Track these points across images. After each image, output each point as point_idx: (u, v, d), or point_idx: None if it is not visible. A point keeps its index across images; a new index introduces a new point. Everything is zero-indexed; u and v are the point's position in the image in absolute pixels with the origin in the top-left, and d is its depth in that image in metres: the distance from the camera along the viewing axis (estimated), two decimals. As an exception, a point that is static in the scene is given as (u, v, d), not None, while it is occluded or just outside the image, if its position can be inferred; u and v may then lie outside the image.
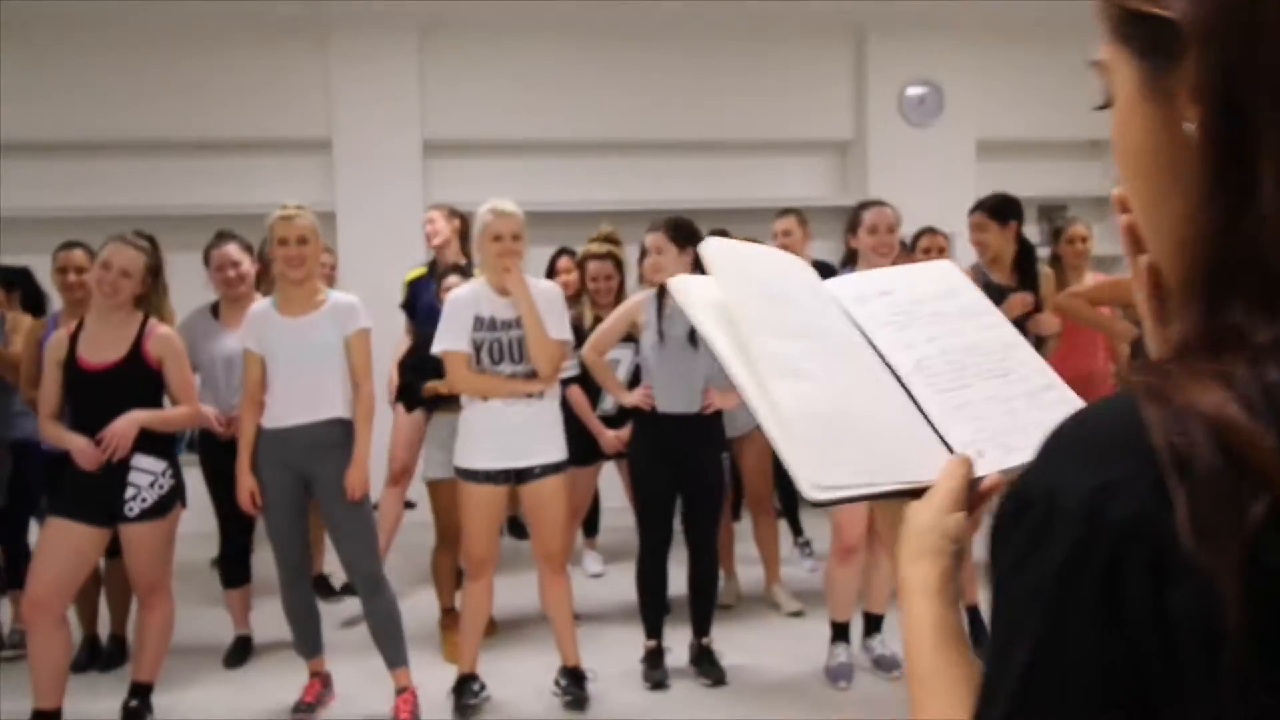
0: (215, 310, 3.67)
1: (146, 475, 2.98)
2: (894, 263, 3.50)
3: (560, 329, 3.14)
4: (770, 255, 0.95)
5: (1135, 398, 0.49)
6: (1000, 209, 3.68)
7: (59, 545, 2.91)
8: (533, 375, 3.11)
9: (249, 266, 3.65)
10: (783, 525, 4.60)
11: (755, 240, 3.10)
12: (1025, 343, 0.89)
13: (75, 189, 5.52)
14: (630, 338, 3.55)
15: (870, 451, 0.76)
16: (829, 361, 0.80)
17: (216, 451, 3.48)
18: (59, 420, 2.99)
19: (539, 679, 3.42)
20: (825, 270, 4.81)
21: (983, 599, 3.61)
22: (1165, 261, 0.59)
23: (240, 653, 3.74)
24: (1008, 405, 0.81)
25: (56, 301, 4.01)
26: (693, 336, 3.34)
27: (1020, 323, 3.53)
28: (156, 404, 3.04)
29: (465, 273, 3.79)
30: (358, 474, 3.10)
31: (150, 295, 3.09)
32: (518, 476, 3.15)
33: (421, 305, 4.10)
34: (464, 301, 3.15)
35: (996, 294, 3.47)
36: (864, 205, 3.44)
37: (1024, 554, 0.52)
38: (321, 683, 3.30)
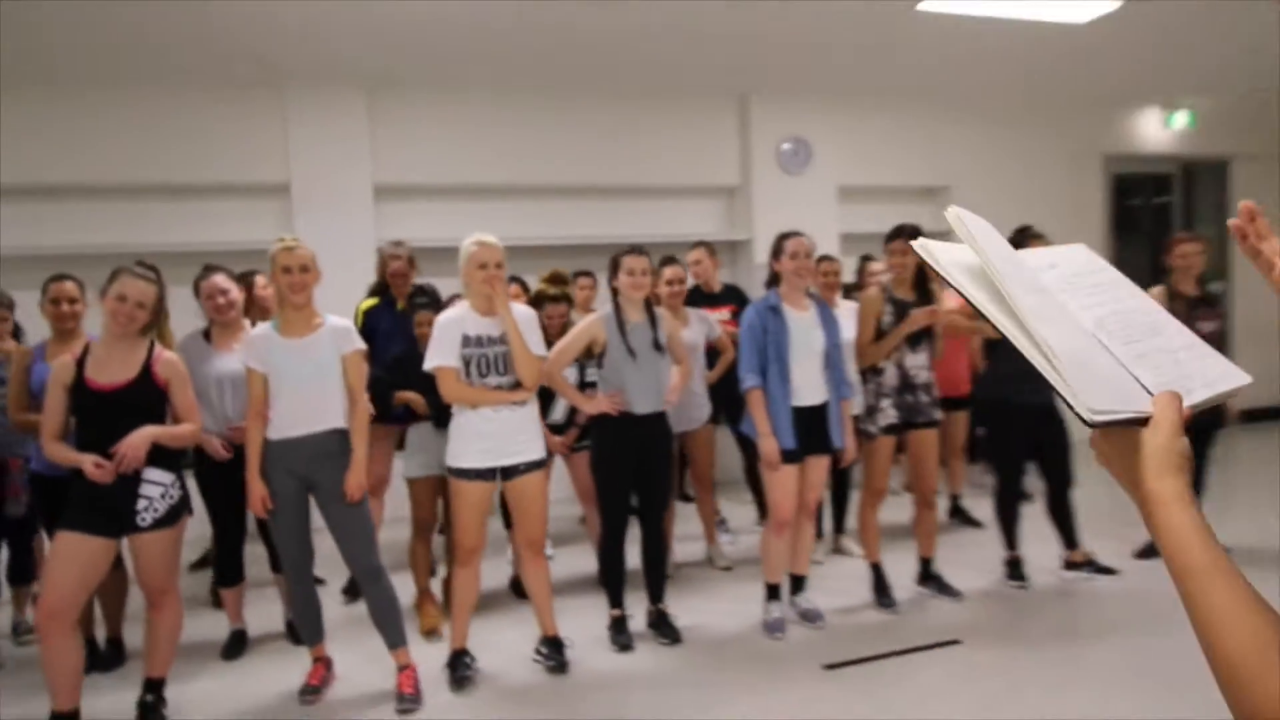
0: (207, 335, 3.43)
1: (157, 487, 2.76)
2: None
3: (539, 346, 3.08)
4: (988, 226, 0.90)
5: None
6: (914, 237, 3.76)
7: (73, 557, 2.65)
8: (516, 386, 3.04)
9: (237, 294, 3.44)
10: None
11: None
12: (1161, 309, 0.89)
13: (53, 229, 5.13)
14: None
15: (1111, 386, 0.76)
16: (1058, 314, 0.79)
17: (211, 464, 3.26)
18: (62, 441, 2.74)
19: (521, 649, 3.34)
20: (735, 294, 4.92)
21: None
22: None
23: (237, 646, 3.50)
24: (1174, 356, 0.81)
25: (33, 333, 3.74)
26: (658, 344, 3.35)
27: (922, 332, 3.68)
28: (162, 422, 2.81)
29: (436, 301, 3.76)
30: (356, 478, 2.97)
31: (155, 322, 2.88)
32: (504, 474, 3.06)
33: (380, 330, 3.99)
34: (452, 323, 3.04)
35: (902, 309, 3.61)
36: (785, 235, 3.45)
37: None
38: (325, 666, 3.14)
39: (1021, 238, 3.77)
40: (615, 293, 3.37)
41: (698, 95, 6.33)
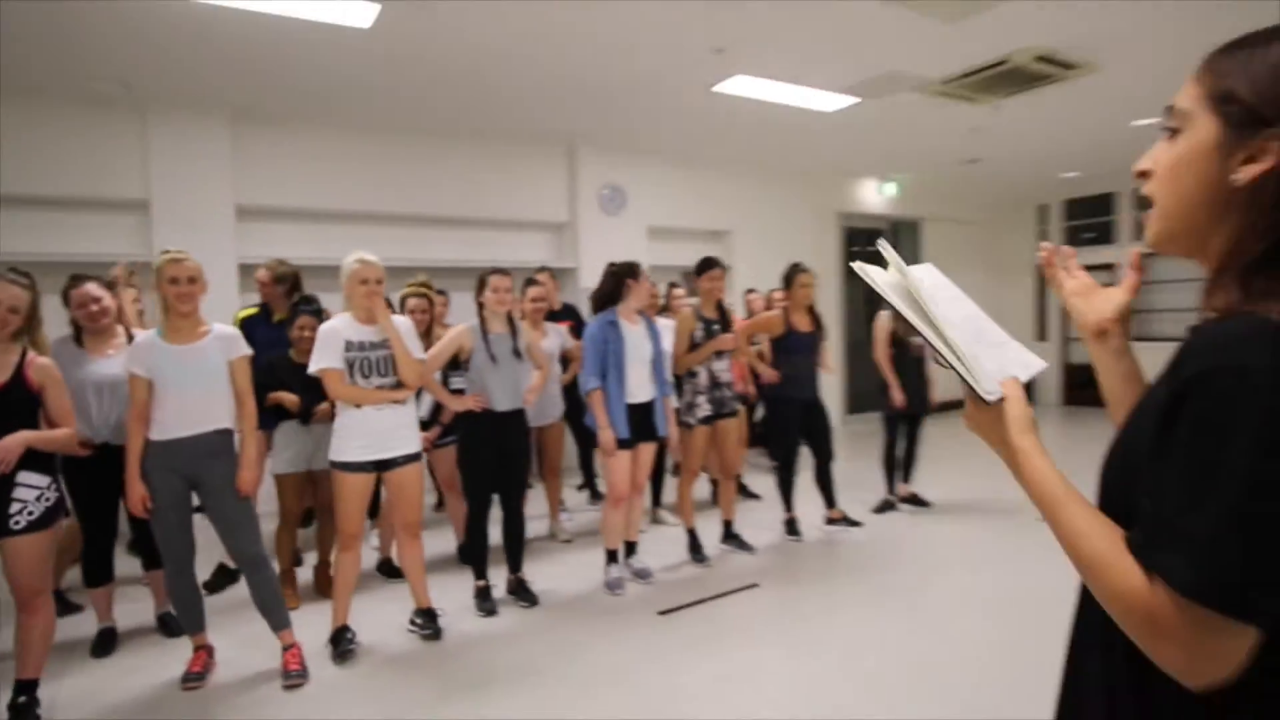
0: (78, 340, 3.12)
1: (32, 490, 2.50)
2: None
3: (418, 351, 3.14)
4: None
5: (1259, 317, 0.63)
6: (722, 267, 4.11)
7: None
8: (396, 386, 3.08)
9: (110, 301, 3.16)
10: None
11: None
12: (980, 314, 0.98)
13: None
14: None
15: (986, 374, 0.87)
16: (952, 320, 0.88)
17: (80, 466, 2.97)
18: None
19: (396, 621, 3.32)
20: (572, 311, 5.17)
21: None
22: (1196, 256, 0.75)
23: (107, 643, 3.17)
24: (999, 350, 0.93)
25: None
26: (517, 352, 3.51)
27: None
28: (35, 425, 2.55)
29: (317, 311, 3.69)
30: (250, 474, 2.87)
31: (28, 328, 2.62)
32: (383, 466, 3.06)
33: (256, 338, 3.82)
34: (334, 330, 3.02)
35: (709, 325, 4.03)
36: (624, 265, 3.69)
37: (1222, 407, 0.62)
38: (206, 653, 2.94)
39: (794, 272, 4.36)
40: (481, 307, 3.49)
41: (533, 144, 6.54)
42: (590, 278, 6.54)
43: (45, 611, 2.62)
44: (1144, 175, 0.79)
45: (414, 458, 3.14)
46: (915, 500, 5.00)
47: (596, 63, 4.71)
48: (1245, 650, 0.62)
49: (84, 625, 3.27)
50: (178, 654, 3.07)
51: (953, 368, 0.86)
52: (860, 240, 9.34)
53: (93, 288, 3.12)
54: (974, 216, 10.22)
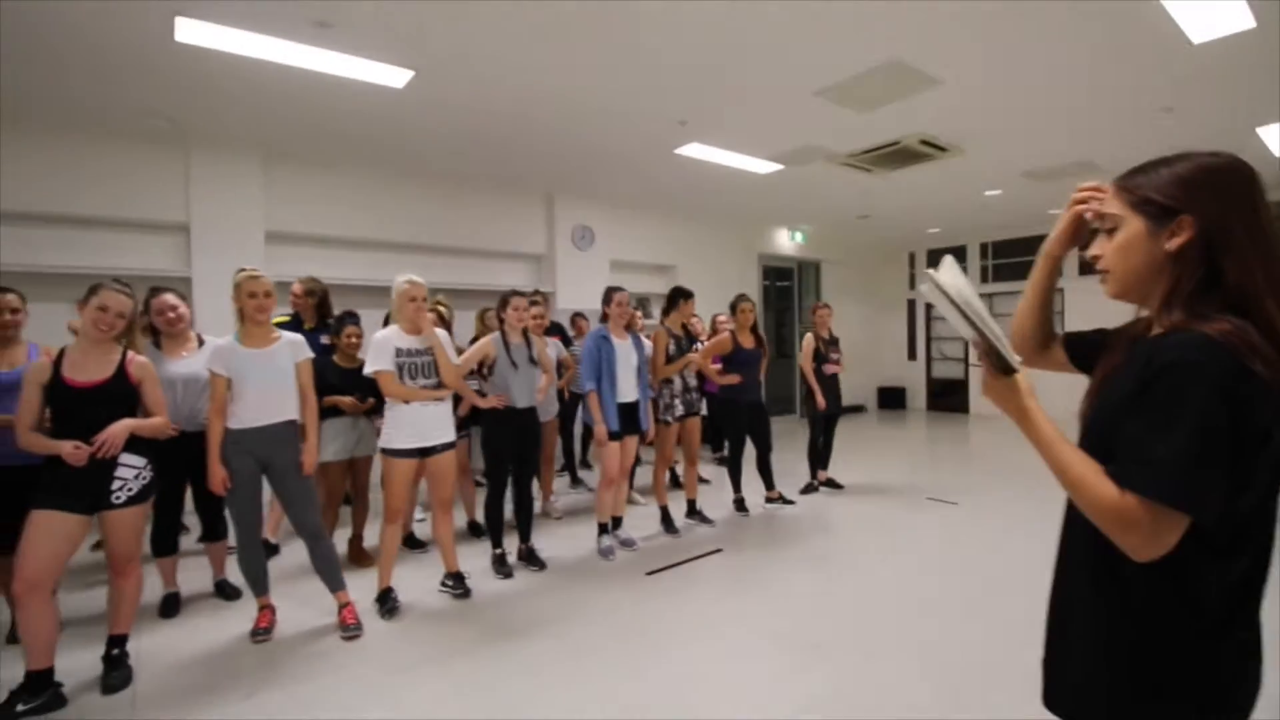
0: (156, 344, 3.04)
1: (132, 470, 2.46)
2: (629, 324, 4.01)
3: (454, 357, 3.21)
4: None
5: (1205, 335, 0.82)
6: (690, 297, 4.28)
7: (50, 532, 2.27)
8: (437, 386, 3.14)
9: (185, 309, 3.10)
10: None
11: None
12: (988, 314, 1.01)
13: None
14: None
15: (1013, 355, 0.99)
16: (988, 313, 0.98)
17: (153, 449, 2.88)
18: (37, 431, 2.35)
19: (427, 585, 3.36)
20: (558, 328, 5.28)
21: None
22: (1145, 303, 0.96)
23: (172, 606, 3.09)
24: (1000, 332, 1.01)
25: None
26: (532, 359, 3.61)
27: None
28: (134, 415, 2.50)
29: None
30: (311, 457, 2.87)
31: (128, 331, 2.56)
32: (425, 453, 3.11)
33: None
34: (387, 339, 3.05)
35: (679, 342, 4.24)
36: (613, 289, 3.83)
37: (1192, 382, 0.81)
38: (271, 612, 2.91)
39: (739, 301, 4.53)
40: (501, 321, 3.58)
41: (519, 189, 6.61)
42: (566, 302, 6.69)
43: (136, 575, 2.55)
44: (1097, 258, 0.99)
45: (450, 446, 3.19)
46: (832, 484, 5.33)
47: (582, 126, 4.88)
48: (1179, 534, 0.84)
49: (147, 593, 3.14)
50: (237, 615, 3.03)
51: (993, 345, 0.97)
52: (773, 276, 9.81)
53: (170, 297, 3.06)
54: (860, 260, 10.87)
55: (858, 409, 10.62)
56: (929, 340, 10.95)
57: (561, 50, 3.63)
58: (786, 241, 9.51)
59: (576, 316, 5.85)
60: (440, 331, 3.22)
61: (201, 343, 3.20)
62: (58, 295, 4.19)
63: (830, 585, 3.36)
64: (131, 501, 2.45)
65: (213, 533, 3.28)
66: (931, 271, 0.99)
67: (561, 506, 4.80)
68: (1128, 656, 0.92)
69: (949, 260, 1.01)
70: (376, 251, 5.85)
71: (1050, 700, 1.05)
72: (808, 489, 5.22)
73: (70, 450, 2.28)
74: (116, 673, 2.47)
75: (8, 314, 2.74)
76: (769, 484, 4.74)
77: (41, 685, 2.29)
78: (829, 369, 5.11)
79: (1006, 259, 9.91)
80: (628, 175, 6.26)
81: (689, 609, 3.10)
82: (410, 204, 5.93)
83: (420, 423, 3.07)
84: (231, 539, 3.09)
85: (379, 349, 3.03)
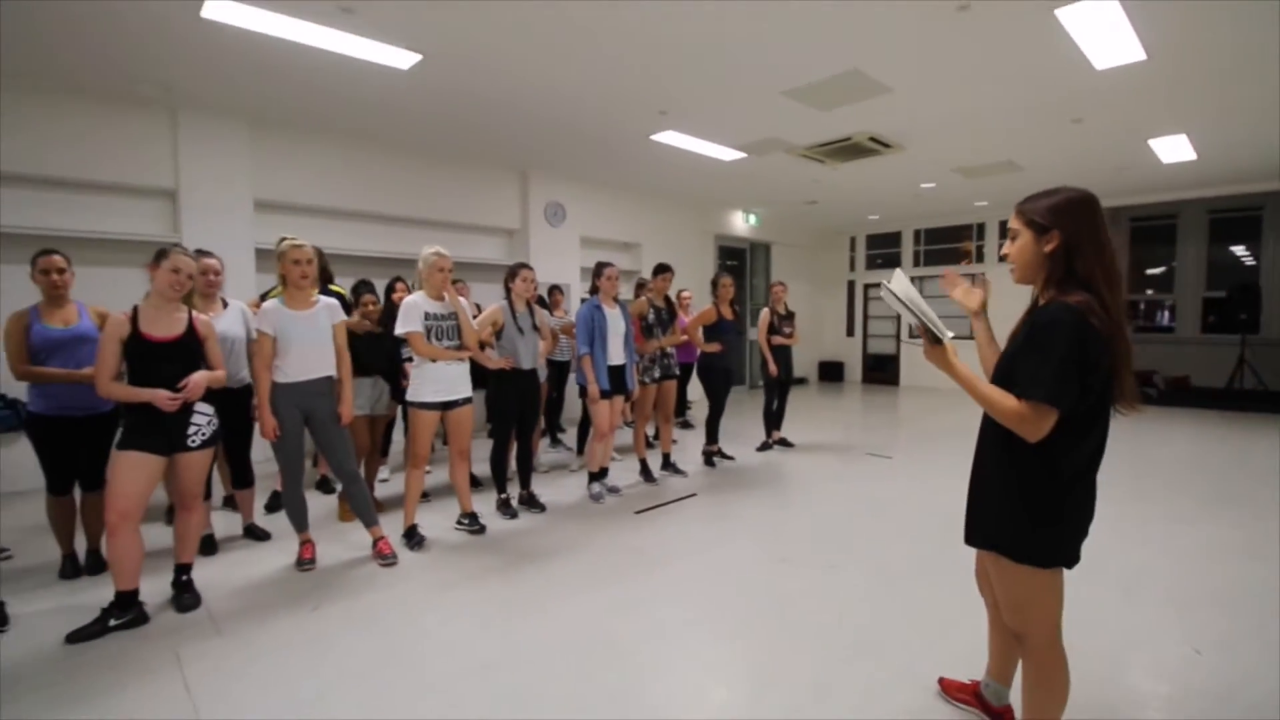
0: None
1: (203, 417, 2.75)
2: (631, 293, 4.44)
3: (473, 323, 3.59)
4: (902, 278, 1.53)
5: (1067, 303, 1.35)
6: (670, 271, 4.76)
7: (136, 471, 2.56)
8: (459, 348, 3.51)
9: (220, 269, 3.36)
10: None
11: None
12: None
13: None
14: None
15: (944, 331, 1.49)
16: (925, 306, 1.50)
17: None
18: (117, 381, 2.61)
19: (443, 525, 3.76)
20: (540, 300, 5.65)
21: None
22: (1034, 285, 1.48)
23: (209, 545, 3.39)
24: (938, 320, 1.51)
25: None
26: (535, 326, 4.01)
27: (665, 329, 4.78)
28: (199, 368, 2.78)
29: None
30: (347, 408, 3.20)
31: (190, 292, 2.83)
32: (447, 406, 3.48)
33: None
34: (416, 304, 3.39)
35: (659, 312, 4.72)
36: (603, 264, 4.24)
37: (1059, 330, 1.33)
38: (312, 546, 3.26)
39: (718, 277, 5.07)
40: (509, 290, 3.97)
41: (496, 166, 6.86)
42: (540, 276, 7.02)
43: (199, 510, 2.86)
44: (1005, 256, 1.54)
45: (468, 400, 3.57)
46: (784, 443, 5.99)
47: (567, 113, 5.23)
48: (1052, 422, 1.41)
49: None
50: (272, 552, 3.35)
51: (929, 327, 1.50)
52: (731, 255, 10.39)
53: (215, 261, 3.30)
54: (806, 242, 11.61)
55: (800, 381, 11.45)
56: (866, 319, 11.86)
57: (559, 43, 3.99)
58: (741, 223, 10.09)
59: (554, 290, 6.21)
60: (460, 300, 3.58)
61: (225, 304, 3.45)
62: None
63: (791, 518, 3.98)
64: (203, 445, 2.75)
65: (242, 480, 3.57)
66: (886, 283, 1.53)
67: (547, 461, 5.26)
68: (1020, 499, 1.50)
69: (898, 271, 1.55)
70: (357, 222, 6.04)
71: (970, 538, 1.63)
72: (763, 447, 5.86)
73: (165, 398, 2.57)
74: (187, 595, 2.80)
75: (55, 274, 2.94)
76: (712, 438, 5.29)
77: (129, 603, 2.61)
78: (777, 340, 5.70)
79: (935, 245, 10.85)
80: (603, 157, 6.63)
81: (676, 536, 3.65)
82: (391, 177, 6.12)
83: (443, 379, 3.45)
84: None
85: (408, 312, 3.37)
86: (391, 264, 6.04)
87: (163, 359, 2.65)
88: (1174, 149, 6.35)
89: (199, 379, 2.67)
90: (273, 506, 4.04)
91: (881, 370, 11.61)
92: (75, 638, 2.49)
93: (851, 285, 11.99)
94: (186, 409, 2.69)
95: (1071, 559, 1.52)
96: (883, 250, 11.59)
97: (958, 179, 7.71)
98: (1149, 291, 10.94)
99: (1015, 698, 1.94)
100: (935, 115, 5.41)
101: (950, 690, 2.06)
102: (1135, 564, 3.22)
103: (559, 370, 5.47)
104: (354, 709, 2.08)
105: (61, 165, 4.51)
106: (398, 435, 5.13)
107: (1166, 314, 10.60)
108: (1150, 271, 10.85)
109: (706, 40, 3.98)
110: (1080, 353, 1.35)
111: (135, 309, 2.68)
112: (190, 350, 2.73)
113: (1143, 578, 3.06)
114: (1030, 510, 1.49)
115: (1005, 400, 1.43)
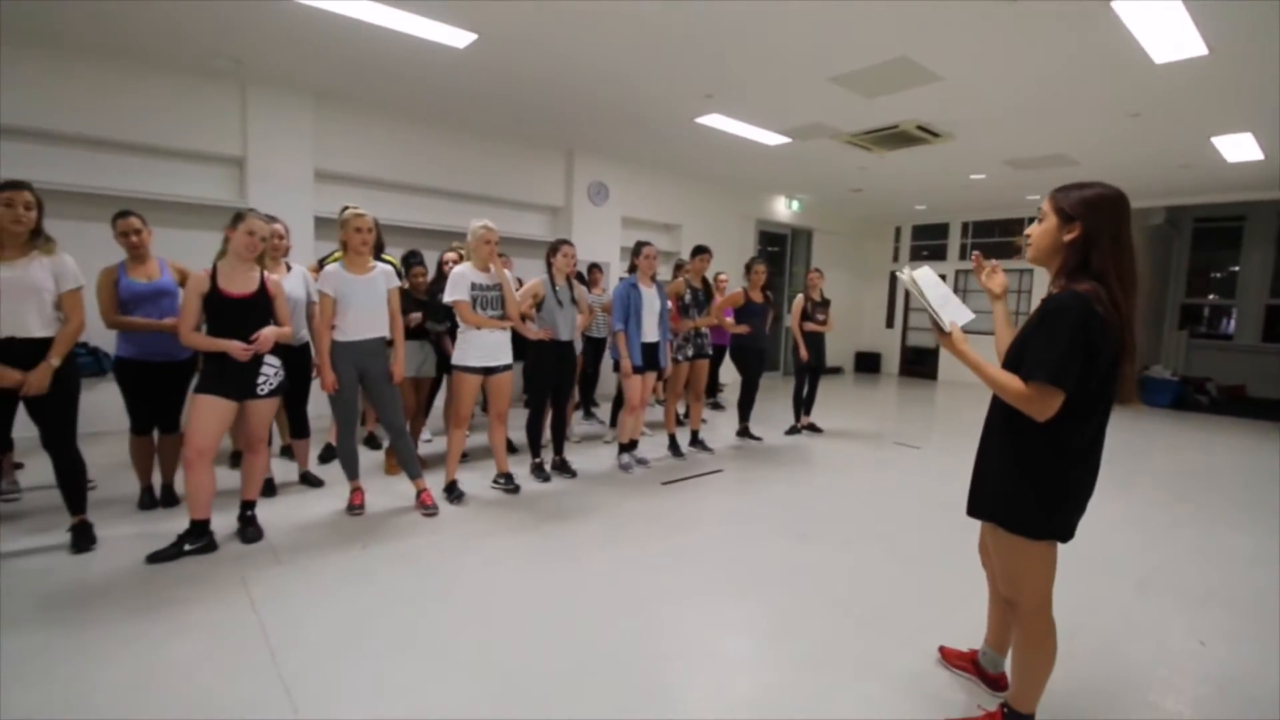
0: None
1: (271, 368, 3.00)
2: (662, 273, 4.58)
3: (516, 294, 3.78)
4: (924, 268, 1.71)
5: (1076, 291, 1.44)
6: (709, 253, 4.88)
7: (212, 412, 2.83)
8: (502, 317, 3.71)
9: (285, 233, 3.63)
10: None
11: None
12: (949, 291, 1.69)
13: (47, 169, 4.62)
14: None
15: (946, 320, 1.65)
16: (935, 296, 1.66)
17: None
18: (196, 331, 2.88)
19: (483, 481, 4.01)
20: (580, 277, 5.83)
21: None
22: (1048, 269, 1.57)
23: (270, 487, 3.69)
24: (954, 308, 1.65)
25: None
26: (573, 300, 4.19)
27: (701, 309, 4.92)
28: (269, 323, 3.01)
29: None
30: (400, 369, 3.44)
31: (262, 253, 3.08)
32: (489, 371, 3.69)
33: None
34: (463, 274, 3.59)
35: (695, 293, 4.85)
36: (642, 243, 4.38)
37: (1066, 316, 1.43)
38: (362, 494, 3.52)
39: (753, 263, 5.22)
40: (550, 265, 4.15)
41: (542, 144, 7.03)
42: (581, 254, 7.21)
43: (264, 453, 3.14)
44: (1028, 235, 1.65)
45: (508, 367, 3.78)
46: (813, 428, 6.08)
47: (615, 94, 5.34)
48: (1058, 404, 1.50)
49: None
50: (325, 497, 3.63)
51: (933, 317, 1.64)
52: (773, 241, 10.39)
53: (280, 226, 3.56)
54: (848, 230, 11.51)
55: (835, 370, 11.43)
56: (906, 311, 11.73)
57: (610, 25, 4.09)
58: (783, 209, 10.07)
59: (593, 268, 6.36)
60: (505, 272, 3.78)
61: (289, 268, 3.71)
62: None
63: (812, 498, 4.10)
64: (271, 394, 3.01)
65: (299, 431, 3.87)
66: (905, 270, 1.67)
67: (579, 433, 5.47)
68: (1021, 475, 1.61)
69: (925, 267, 1.70)
70: (407, 194, 6.30)
71: (973, 509, 1.75)
72: (792, 430, 5.96)
73: (240, 348, 2.83)
74: (251, 529, 3.09)
75: (133, 235, 3.23)
76: (744, 416, 5.42)
77: (201, 531, 2.91)
78: (810, 327, 5.77)
79: (984, 238, 10.63)
80: (647, 138, 6.72)
81: (700, 507, 3.81)
82: (441, 152, 6.34)
83: (487, 346, 3.66)
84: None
85: (456, 282, 3.59)
86: (439, 236, 6.28)
87: (237, 313, 2.91)
88: (1239, 147, 6.12)
89: (269, 333, 2.93)
90: (325, 457, 4.35)
91: (920, 364, 11.49)
92: (155, 558, 2.80)
93: (893, 276, 11.85)
94: (256, 360, 2.95)
95: (1065, 534, 1.62)
96: (929, 241, 11.41)
97: (1009, 171, 7.57)
98: (1211, 296, 10.53)
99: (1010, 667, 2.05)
100: (986, 105, 5.34)
101: (949, 658, 2.18)
102: (1153, 561, 3.25)
103: (595, 346, 5.64)
104: (398, 627, 2.32)
105: (145, 133, 4.85)
106: (437, 401, 5.38)
107: (1231, 322, 10.18)
108: (1213, 275, 10.44)
109: (756, 24, 4.04)
110: (1084, 337, 1.44)
111: (214, 267, 2.94)
112: (261, 307, 2.99)
113: (1158, 575, 3.10)
114: (1030, 486, 1.59)
115: (1012, 382, 1.53)
